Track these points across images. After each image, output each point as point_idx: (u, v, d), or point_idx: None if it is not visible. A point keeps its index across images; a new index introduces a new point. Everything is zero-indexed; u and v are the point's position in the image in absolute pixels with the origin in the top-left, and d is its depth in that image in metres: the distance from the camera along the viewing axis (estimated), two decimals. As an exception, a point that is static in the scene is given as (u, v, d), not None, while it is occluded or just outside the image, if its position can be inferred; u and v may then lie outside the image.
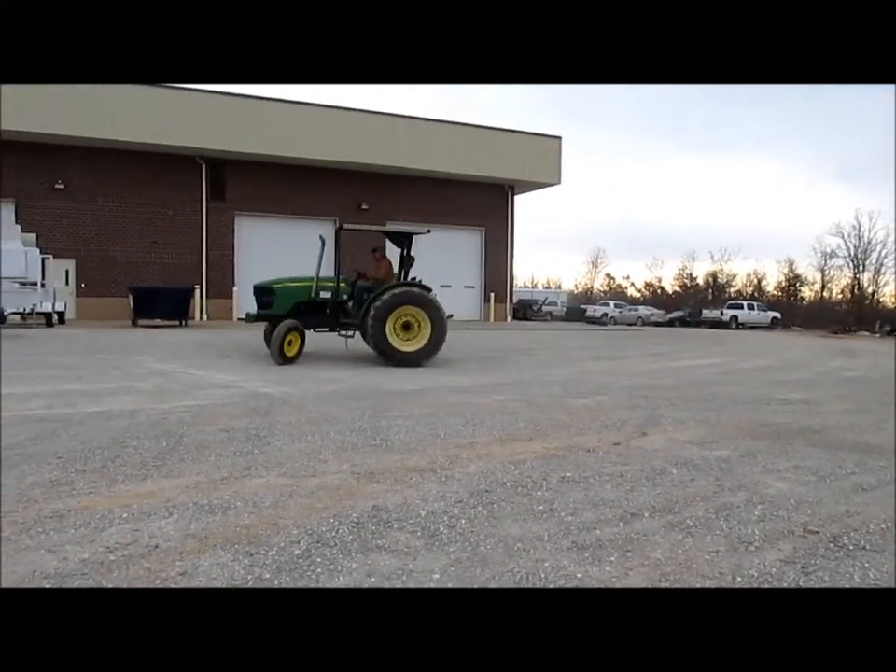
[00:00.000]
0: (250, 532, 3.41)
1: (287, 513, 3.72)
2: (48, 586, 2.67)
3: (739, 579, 3.01)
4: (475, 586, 2.84)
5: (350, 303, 12.01)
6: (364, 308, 11.34)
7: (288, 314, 11.49)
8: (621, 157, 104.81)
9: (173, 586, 2.69)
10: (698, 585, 2.93)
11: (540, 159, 32.77)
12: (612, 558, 3.20)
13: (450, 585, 2.87)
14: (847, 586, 2.96)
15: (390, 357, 11.26)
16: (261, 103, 27.31)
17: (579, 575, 3.00)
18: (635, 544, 3.38)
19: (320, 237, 12.28)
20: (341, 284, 12.00)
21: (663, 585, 2.93)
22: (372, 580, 2.90)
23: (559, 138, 33.50)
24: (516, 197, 34.60)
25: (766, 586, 2.93)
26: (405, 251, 12.22)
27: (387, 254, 12.88)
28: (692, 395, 8.75)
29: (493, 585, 2.88)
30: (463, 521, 3.66)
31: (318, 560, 3.09)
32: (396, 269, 12.36)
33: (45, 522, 3.48)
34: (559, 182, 33.67)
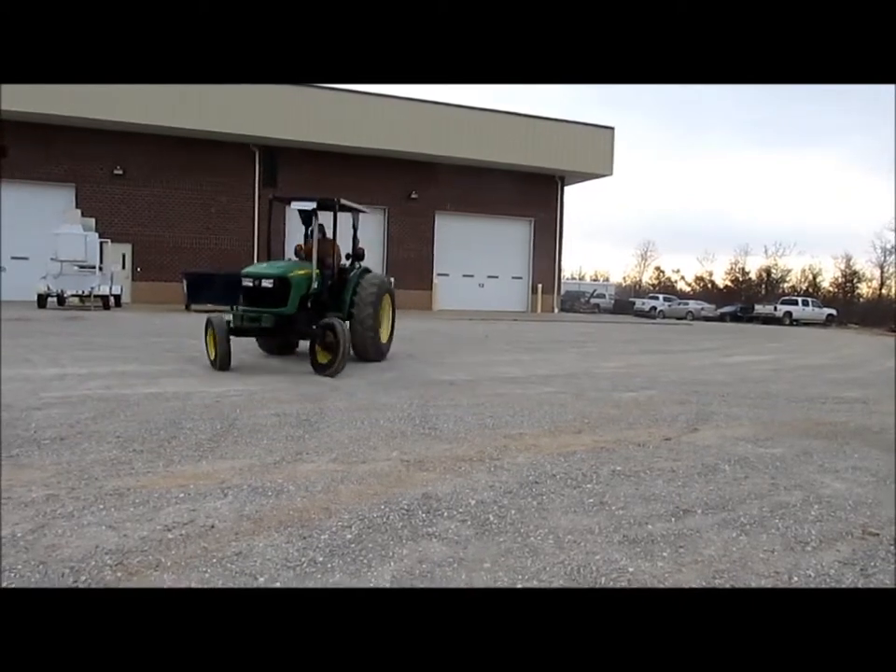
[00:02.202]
0: (303, 516, 3.46)
1: (338, 498, 3.76)
2: (47, 586, 2.65)
3: (796, 579, 2.95)
4: (476, 586, 2.81)
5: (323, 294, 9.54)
6: (350, 297, 9.61)
7: (297, 312, 8.98)
8: (675, 150, 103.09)
9: (173, 586, 2.67)
10: (753, 584, 2.89)
11: (592, 149, 32.39)
12: (665, 553, 3.17)
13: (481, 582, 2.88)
14: (848, 586, 2.90)
15: (376, 352, 9.85)
16: (315, 91, 27.50)
17: (630, 569, 2.98)
18: (688, 540, 3.34)
19: (307, 210, 9.58)
20: (316, 271, 9.39)
21: (713, 584, 2.89)
22: (424, 566, 2.92)
23: (612, 129, 33.07)
24: (567, 188, 34.30)
25: (766, 586, 2.87)
26: (356, 230, 10.46)
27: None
28: (744, 391, 8.59)
29: (544, 576, 2.88)
30: (513, 511, 3.66)
31: (370, 545, 3.12)
32: (341, 249, 10.35)
33: (106, 499, 3.58)
34: (611, 173, 33.26)
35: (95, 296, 20.91)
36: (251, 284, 8.89)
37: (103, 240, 21.86)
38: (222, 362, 8.37)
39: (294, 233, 10.54)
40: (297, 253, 10.38)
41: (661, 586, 2.84)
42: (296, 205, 9.59)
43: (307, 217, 10.15)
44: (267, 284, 8.79)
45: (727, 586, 2.87)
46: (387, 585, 2.76)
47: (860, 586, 2.92)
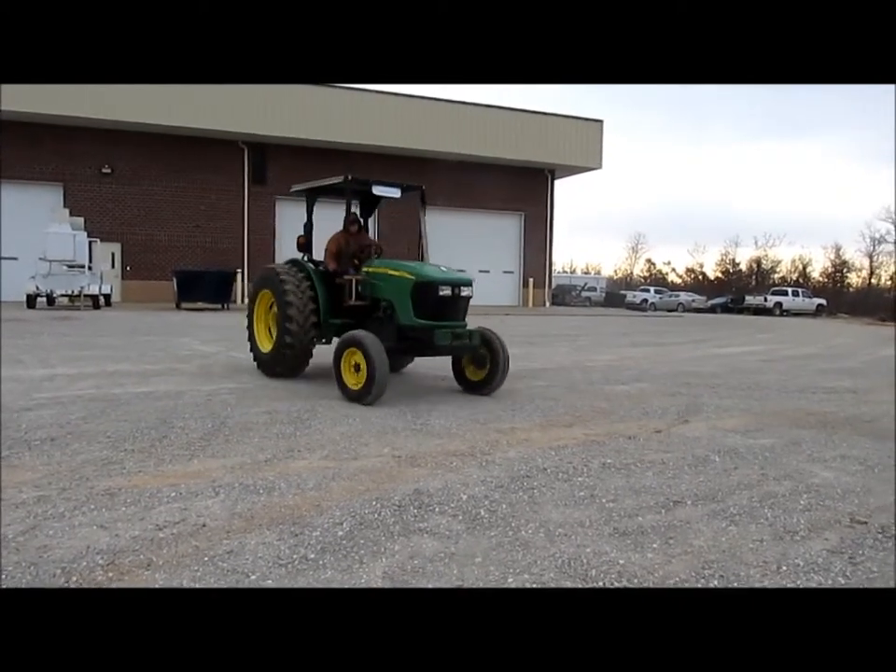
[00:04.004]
0: (294, 513, 3.47)
1: (329, 495, 3.77)
2: (47, 587, 2.63)
3: (784, 568, 2.98)
4: (476, 586, 2.80)
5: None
6: None
7: None
8: (664, 141, 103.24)
9: (173, 586, 2.66)
10: (742, 573, 2.91)
11: (581, 143, 32.46)
12: (655, 545, 3.19)
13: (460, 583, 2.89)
14: (846, 586, 2.91)
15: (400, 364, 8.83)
16: (303, 88, 27.41)
17: (621, 561, 2.99)
18: (678, 532, 3.36)
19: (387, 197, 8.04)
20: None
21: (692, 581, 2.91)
22: (415, 562, 2.93)
23: (601, 122, 33.13)
24: (556, 181, 34.33)
25: (766, 586, 2.88)
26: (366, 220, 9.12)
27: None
28: (734, 382, 8.64)
29: (535, 569, 2.89)
30: (504, 506, 3.68)
31: (362, 542, 3.13)
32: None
33: (97, 499, 3.58)
34: (600, 166, 33.33)
35: (85, 295, 20.83)
36: (450, 293, 6.90)
37: (91, 239, 21.81)
38: (379, 390, 6.39)
39: (288, 232, 9.49)
40: (332, 254, 8.07)
41: (658, 586, 2.85)
42: (378, 191, 7.91)
43: (309, 204, 8.52)
44: (467, 292, 7.06)
45: (722, 585, 2.88)
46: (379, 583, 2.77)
47: (854, 584, 2.94)
